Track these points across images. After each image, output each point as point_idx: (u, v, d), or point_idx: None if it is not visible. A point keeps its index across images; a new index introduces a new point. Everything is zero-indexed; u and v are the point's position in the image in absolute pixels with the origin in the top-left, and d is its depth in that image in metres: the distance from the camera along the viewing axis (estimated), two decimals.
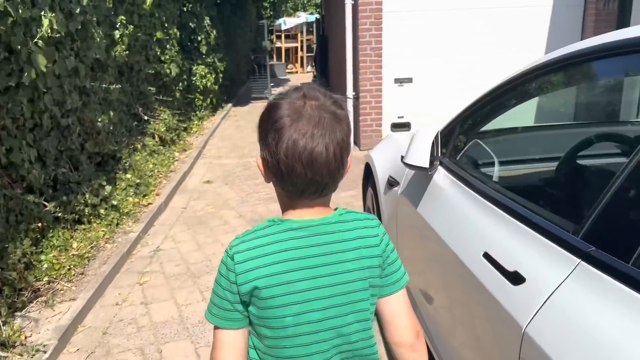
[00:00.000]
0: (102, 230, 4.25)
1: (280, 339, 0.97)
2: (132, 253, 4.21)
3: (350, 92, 7.34)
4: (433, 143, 2.16)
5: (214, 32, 10.19)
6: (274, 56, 21.51)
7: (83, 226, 4.17)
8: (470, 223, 1.79)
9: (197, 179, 6.37)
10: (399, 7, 7.01)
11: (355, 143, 7.59)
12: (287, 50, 21.74)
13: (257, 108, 11.98)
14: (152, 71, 6.73)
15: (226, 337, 0.98)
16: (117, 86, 4.95)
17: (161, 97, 7.05)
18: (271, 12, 20.26)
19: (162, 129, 6.74)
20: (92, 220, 4.29)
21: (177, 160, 6.80)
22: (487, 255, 1.58)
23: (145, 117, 6.46)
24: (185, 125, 8.11)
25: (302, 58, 21.44)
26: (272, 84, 13.71)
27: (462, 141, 2.28)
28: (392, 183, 2.81)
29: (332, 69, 11.23)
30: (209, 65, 9.76)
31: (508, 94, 2.08)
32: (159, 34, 7.07)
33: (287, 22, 20.44)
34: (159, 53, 7.19)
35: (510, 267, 1.45)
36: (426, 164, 2.09)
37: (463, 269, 1.70)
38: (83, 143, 4.58)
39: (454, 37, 7.15)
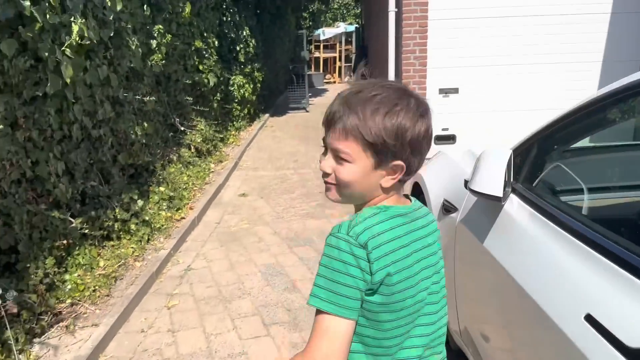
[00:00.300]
0: (132, 247, 4.05)
1: (399, 320, 1.01)
2: (161, 272, 3.98)
3: None
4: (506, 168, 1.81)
5: (253, 41, 10.05)
6: (312, 66, 21.37)
7: (112, 242, 3.98)
8: (562, 271, 1.43)
9: (232, 192, 6.15)
10: (445, 15, 6.65)
11: None
12: (325, 60, 21.57)
13: (294, 118, 11.76)
14: (189, 81, 6.58)
15: (344, 327, 0.96)
16: (151, 98, 4.77)
17: (198, 108, 6.89)
18: (310, 23, 20.16)
19: (199, 140, 6.57)
20: (122, 236, 4.10)
21: (212, 171, 6.61)
22: (590, 319, 1.23)
23: (182, 128, 6.29)
24: (222, 136, 7.94)
25: (340, 68, 21.22)
26: (309, 94, 13.49)
27: (540, 164, 1.92)
28: (448, 208, 2.46)
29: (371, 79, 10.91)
30: (247, 75, 9.60)
31: (600, 113, 1.72)
32: (197, 43, 6.92)
33: (326, 32, 20.28)
34: (197, 63, 7.04)
35: (631, 342, 1.09)
36: (499, 193, 1.74)
37: (552, 328, 1.35)
38: (115, 155, 4.40)
39: (503, 47, 6.73)
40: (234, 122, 9.13)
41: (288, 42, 16.85)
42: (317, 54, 21.27)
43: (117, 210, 4.03)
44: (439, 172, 2.86)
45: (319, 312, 0.96)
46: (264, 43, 11.98)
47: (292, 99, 13.04)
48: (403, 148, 0.99)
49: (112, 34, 3.98)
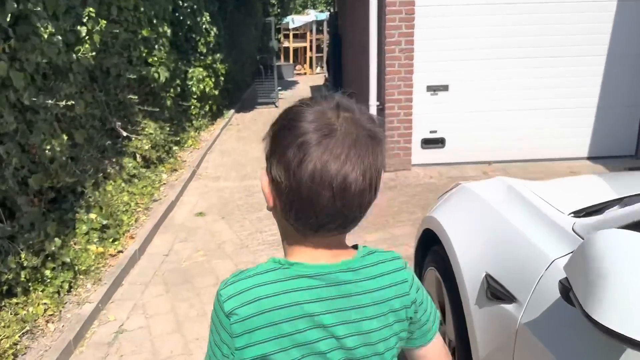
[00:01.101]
0: (44, 304, 3.05)
1: None
2: (83, 336, 3.00)
3: (373, 101, 6.12)
4: None
5: (215, 29, 8.98)
6: (281, 56, 20.31)
7: (15, 300, 2.97)
8: None
9: (188, 210, 5.16)
10: (435, 1, 5.78)
11: None
12: (295, 50, 20.53)
13: (262, 114, 10.76)
14: (134, 76, 5.53)
15: None
16: (71, 102, 3.72)
17: (146, 108, 5.84)
18: (279, 10, 19.06)
19: (147, 147, 5.54)
20: (31, 288, 3.09)
21: (164, 184, 5.60)
22: None
23: (125, 134, 5.25)
24: (177, 139, 6.91)
25: (311, 58, 20.23)
26: (279, 88, 12.48)
27: None
28: (497, 294, 1.58)
29: (347, 72, 10.02)
30: (207, 67, 8.56)
31: None
32: (145, 32, 5.87)
33: (295, 21, 19.21)
34: (144, 54, 5.99)
35: None
36: None
37: None
38: (26, 178, 3.38)
39: (499, 37, 5.92)
40: (193, 122, 8.09)
41: (255, 30, 15.75)
42: (286, 44, 20.21)
43: (22, 255, 3.02)
44: (470, 224, 1.98)
45: None
46: (227, 31, 10.90)
47: (260, 93, 12.01)
48: (287, 176, 0.75)
49: (9, 19, 2.94)
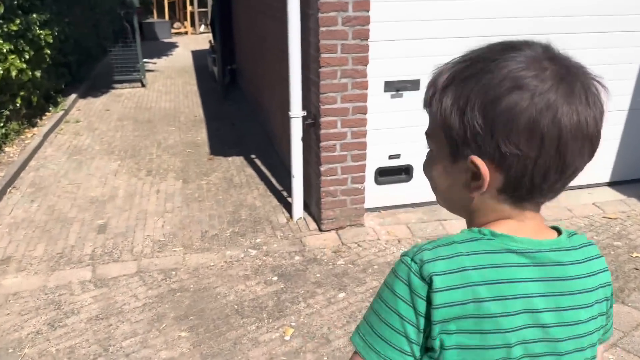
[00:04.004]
0: None
1: None
2: None
3: (296, 110, 3.47)
4: None
5: None
6: (154, 11, 16.56)
7: None
8: None
9: None
10: None
11: (313, 215, 3.75)
12: (172, 4, 16.83)
13: (120, 101, 7.54)
14: None
15: None
16: None
17: None
18: None
19: None
20: None
21: None
22: None
23: None
24: None
25: (192, 14, 16.69)
26: (144, 60, 9.18)
27: None
28: None
29: (243, 42, 7.15)
30: (15, 36, 5.27)
31: None
32: None
33: None
34: None
35: None
36: None
37: None
38: None
39: (488, 10, 3.52)
40: None
41: None
42: None
43: None
44: None
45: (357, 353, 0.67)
46: None
47: (118, 65, 8.62)
48: (475, 137, 0.62)
49: None
